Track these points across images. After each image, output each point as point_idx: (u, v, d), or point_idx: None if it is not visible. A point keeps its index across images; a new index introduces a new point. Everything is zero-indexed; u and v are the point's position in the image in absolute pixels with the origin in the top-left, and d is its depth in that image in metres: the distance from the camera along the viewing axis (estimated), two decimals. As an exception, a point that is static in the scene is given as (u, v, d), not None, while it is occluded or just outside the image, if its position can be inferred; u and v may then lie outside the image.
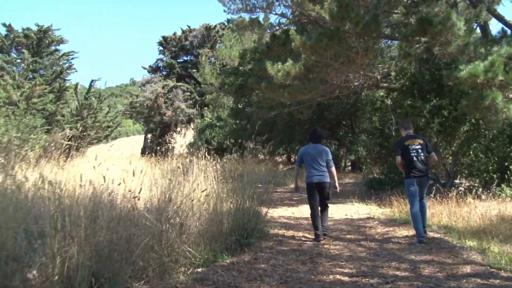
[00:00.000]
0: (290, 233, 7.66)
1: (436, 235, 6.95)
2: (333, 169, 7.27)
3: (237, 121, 24.06)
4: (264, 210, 9.61)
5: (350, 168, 23.54)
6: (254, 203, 7.38)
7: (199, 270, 5.03)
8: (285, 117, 19.93)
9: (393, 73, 13.61)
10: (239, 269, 5.14)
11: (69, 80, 34.91)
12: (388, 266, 5.18)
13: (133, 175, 5.47)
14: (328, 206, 7.36)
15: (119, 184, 5.20)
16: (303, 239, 7.12)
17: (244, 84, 19.83)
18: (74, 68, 40.28)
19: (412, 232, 7.22)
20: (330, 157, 7.27)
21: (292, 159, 28.90)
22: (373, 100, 18.75)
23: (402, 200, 9.77)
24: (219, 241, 5.92)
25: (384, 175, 15.28)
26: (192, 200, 6.16)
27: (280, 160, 31.00)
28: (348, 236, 7.28)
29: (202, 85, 30.58)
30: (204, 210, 6.43)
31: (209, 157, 7.93)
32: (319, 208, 7.15)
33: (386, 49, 18.10)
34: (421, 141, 6.81)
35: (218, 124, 28.18)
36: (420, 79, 12.65)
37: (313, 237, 7.12)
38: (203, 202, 6.71)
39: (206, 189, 6.54)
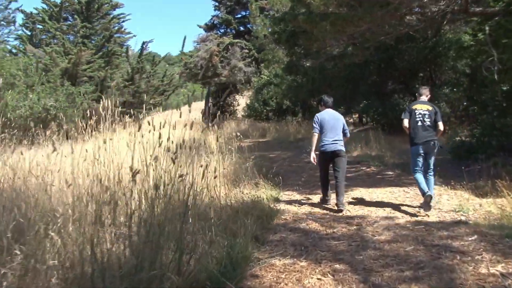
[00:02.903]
0: (297, 269, 3.73)
1: None
2: (347, 138, 6.78)
3: (293, 77, 19.88)
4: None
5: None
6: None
7: None
8: (343, 68, 15.61)
9: (488, -7, 8.95)
10: None
11: (126, 45, 32.38)
12: None
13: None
14: (344, 179, 6.44)
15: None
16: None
17: (296, 31, 15.62)
18: (131, 32, 37.62)
19: None
20: (346, 125, 6.69)
21: (364, 119, 23.93)
22: (459, 39, 13.90)
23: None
24: None
25: (475, 138, 10.74)
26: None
27: (350, 120, 26.36)
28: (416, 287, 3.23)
29: (252, 38, 26.48)
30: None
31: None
32: (335, 181, 6.35)
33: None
34: (430, 108, 6.20)
35: (274, 81, 24.02)
36: (537, -8, 7.92)
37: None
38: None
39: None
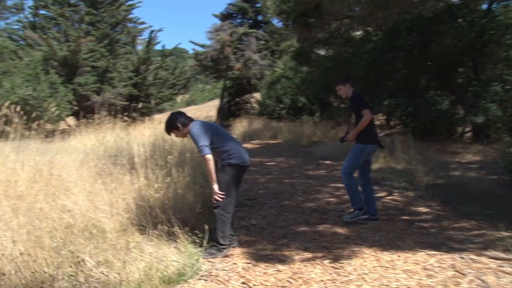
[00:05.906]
0: None
1: None
2: None
3: (307, 69, 16.15)
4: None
5: (472, 136, 13.59)
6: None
7: None
8: (365, 55, 11.85)
9: None
10: None
11: (140, 36, 29.27)
12: None
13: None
14: None
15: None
16: None
17: (308, 10, 11.90)
18: (145, 23, 34.33)
19: None
20: None
21: (392, 122, 19.56)
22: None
23: None
24: None
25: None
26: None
27: (377, 122, 22.22)
28: None
29: (262, 24, 22.89)
30: None
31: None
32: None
33: None
34: None
35: (287, 74, 20.26)
36: None
37: None
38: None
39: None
